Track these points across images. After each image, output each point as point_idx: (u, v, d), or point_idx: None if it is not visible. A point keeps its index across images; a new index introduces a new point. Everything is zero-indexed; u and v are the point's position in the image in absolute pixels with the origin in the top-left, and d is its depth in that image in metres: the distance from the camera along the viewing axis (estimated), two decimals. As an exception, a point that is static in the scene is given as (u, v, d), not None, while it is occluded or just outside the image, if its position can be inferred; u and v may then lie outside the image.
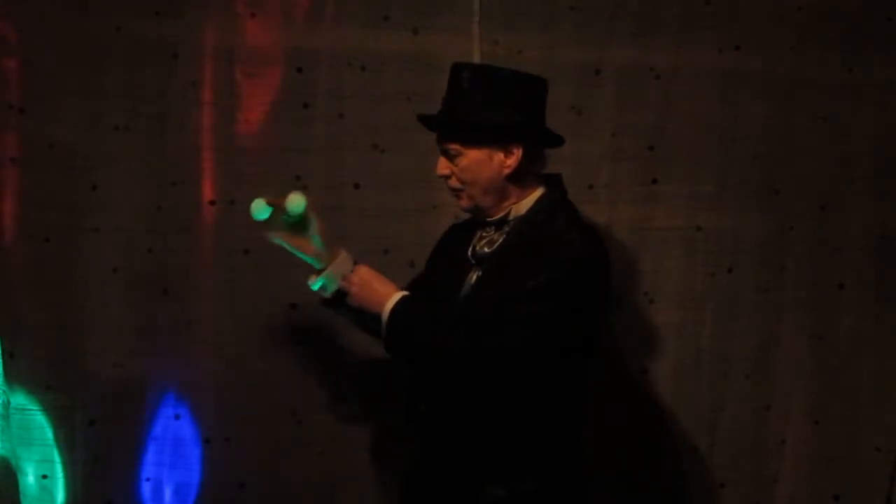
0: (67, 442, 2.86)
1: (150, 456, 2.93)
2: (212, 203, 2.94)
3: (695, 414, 3.10)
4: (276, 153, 2.95)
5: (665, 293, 3.09)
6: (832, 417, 3.14)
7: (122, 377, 2.89)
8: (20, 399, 2.81)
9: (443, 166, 2.42)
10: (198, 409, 2.95)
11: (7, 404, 2.81)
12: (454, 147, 2.39)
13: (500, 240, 2.42)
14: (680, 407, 3.09)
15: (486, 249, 2.43)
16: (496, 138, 2.37)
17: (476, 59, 2.99)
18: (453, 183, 2.42)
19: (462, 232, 2.55)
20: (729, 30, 3.08)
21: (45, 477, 2.85)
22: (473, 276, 2.41)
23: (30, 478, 2.84)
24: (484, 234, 2.46)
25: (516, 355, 2.25)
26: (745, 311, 3.12)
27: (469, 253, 2.46)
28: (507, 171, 2.38)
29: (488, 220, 2.44)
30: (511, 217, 2.42)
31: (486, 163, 2.38)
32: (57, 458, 2.86)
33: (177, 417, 2.94)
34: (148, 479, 2.93)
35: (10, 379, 2.81)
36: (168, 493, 2.94)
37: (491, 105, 2.36)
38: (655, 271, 3.09)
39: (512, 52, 3.02)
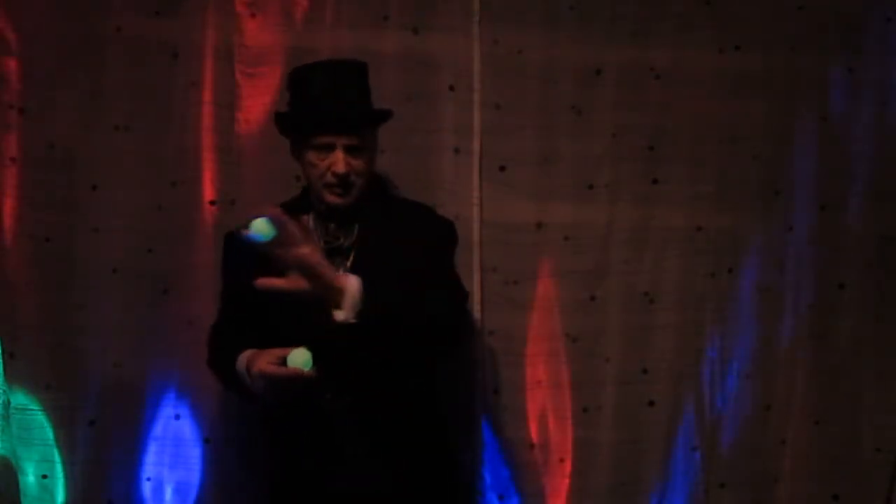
0: (67, 442, 2.87)
1: (150, 456, 2.93)
2: (212, 203, 2.95)
3: (695, 414, 3.10)
4: (276, 153, 2.95)
5: (665, 293, 3.08)
6: (832, 417, 3.13)
7: (122, 377, 2.89)
8: (20, 399, 2.82)
9: (346, 163, 2.40)
10: (198, 409, 2.95)
11: (7, 404, 2.80)
12: (368, 139, 2.44)
13: (348, 229, 2.46)
14: (680, 407, 3.09)
15: (340, 243, 2.45)
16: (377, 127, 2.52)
17: (476, 59, 2.99)
18: (351, 178, 2.42)
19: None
20: (729, 30, 3.08)
21: (45, 477, 2.86)
22: (340, 272, 2.37)
23: (30, 478, 2.84)
24: (326, 227, 2.46)
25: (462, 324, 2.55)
26: (745, 311, 3.11)
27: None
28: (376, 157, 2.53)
29: (341, 212, 2.45)
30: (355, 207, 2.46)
31: (376, 151, 2.52)
32: (57, 458, 2.86)
33: (177, 417, 2.94)
34: (148, 479, 2.93)
35: (10, 379, 2.80)
36: (168, 493, 2.94)
37: (370, 94, 2.50)
38: (655, 271, 3.08)
39: (512, 52, 3.02)
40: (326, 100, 2.42)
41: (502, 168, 3.02)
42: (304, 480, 2.45)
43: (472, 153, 3.00)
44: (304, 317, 2.29)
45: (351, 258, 2.46)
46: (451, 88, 3.00)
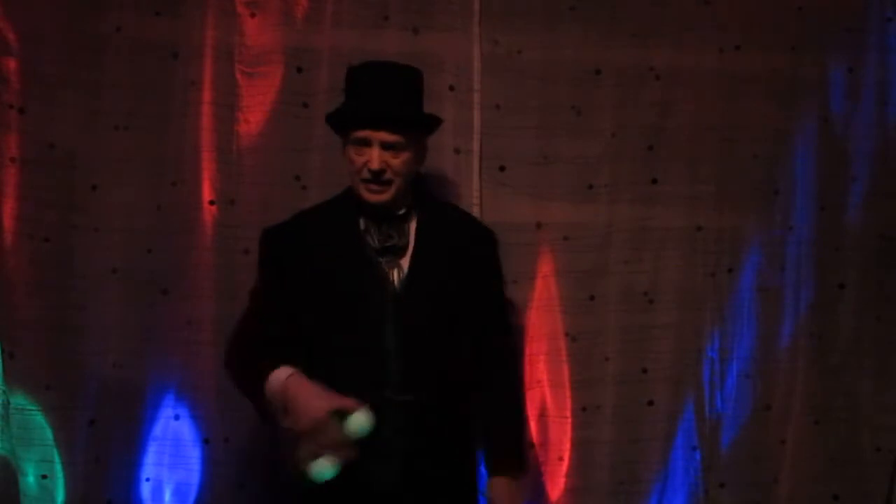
0: (67, 442, 2.86)
1: (150, 456, 2.93)
2: (212, 203, 2.94)
3: (695, 414, 3.10)
4: (276, 153, 2.96)
5: (665, 293, 3.09)
6: (832, 417, 3.14)
7: (122, 377, 2.89)
8: (20, 399, 2.81)
9: (381, 160, 2.41)
10: (197, 409, 2.95)
11: (7, 404, 2.81)
12: (405, 139, 2.43)
13: (412, 229, 2.49)
14: (680, 407, 3.09)
15: (395, 242, 2.46)
16: (429, 131, 2.54)
17: (476, 59, 2.99)
18: (387, 176, 2.42)
19: (318, 232, 2.50)
20: (729, 30, 3.08)
21: (45, 477, 2.85)
22: (395, 271, 2.44)
23: (30, 478, 2.84)
24: (378, 226, 2.47)
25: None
26: (745, 311, 3.12)
27: (366, 249, 2.45)
28: (423, 161, 2.53)
29: (396, 212, 2.48)
30: (404, 207, 2.49)
31: (421, 155, 2.51)
32: (57, 458, 2.85)
33: (176, 418, 2.94)
34: (148, 479, 2.93)
35: (10, 379, 2.81)
36: (168, 493, 2.94)
37: (420, 99, 2.51)
38: (655, 271, 3.08)
39: (512, 52, 3.02)
40: (367, 95, 2.43)
41: (502, 168, 3.02)
42: (345, 478, 2.42)
43: (472, 153, 3.00)
44: (360, 311, 2.39)
45: (408, 258, 2.47)
46: (451, 88, 3.00)
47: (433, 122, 2.55)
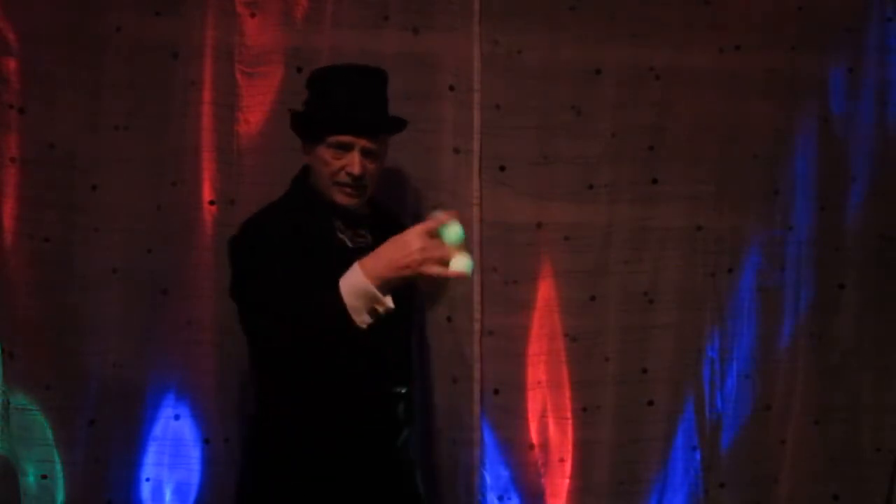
0: (67, 442, 2.86)
1: (150, 456, 2.93)
2: (212, 203, 2.94)
3: (695, 414, 3.10)
4: (276, 153, 2.95)
5: (665, 293, 3.09)
6: (832, 417, 3.14)
7: (122, 377, 2.89)
8: (20, 399, 2.81)
9: (362, 165, 2.43)
10: (197, 409, 2.94)
11: (7, 404, 2.81)
12: (381, 145, 2.48)
13: (368, 229, 2.52)
14: (680, 407, 3.09)
15: (365, 241, 2.49)
16: (396, 133, 2.58)
17: (476, 59, 2.99)
18: (364, 181, 2.45)
19: (299, 233, 2.44)
20: (729, 30, 3.09)
21: (45, 477, 2.85)
22: None
23: (30, 478, 2.84)
24: (348, 226, 2.49)
25: None
26: (745, 311, 3.12)
27: (344, 249, 2.46)
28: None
29: (358, 213, 2.51)
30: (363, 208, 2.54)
31: (385, 158, 2.56)
32: (57, 458, 2.85)
33: (176, 418, 2.94)
34: (148, 479, 2.93)
35: (10, 379, 2.80)
36: (168, 493, 2.94)
37: (387, 103, 2.54)
38: (655, 271, 3.08)
39: (512, 52, 3.02)
40: (354, 101, 2.45)
41: (502, 168, 3.02)
42: (346, 470, 2.45)
43: (472, 153, 3.00)
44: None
45: None
46: (451, 88, 3.00)
47: (403, 127, 2.60)
